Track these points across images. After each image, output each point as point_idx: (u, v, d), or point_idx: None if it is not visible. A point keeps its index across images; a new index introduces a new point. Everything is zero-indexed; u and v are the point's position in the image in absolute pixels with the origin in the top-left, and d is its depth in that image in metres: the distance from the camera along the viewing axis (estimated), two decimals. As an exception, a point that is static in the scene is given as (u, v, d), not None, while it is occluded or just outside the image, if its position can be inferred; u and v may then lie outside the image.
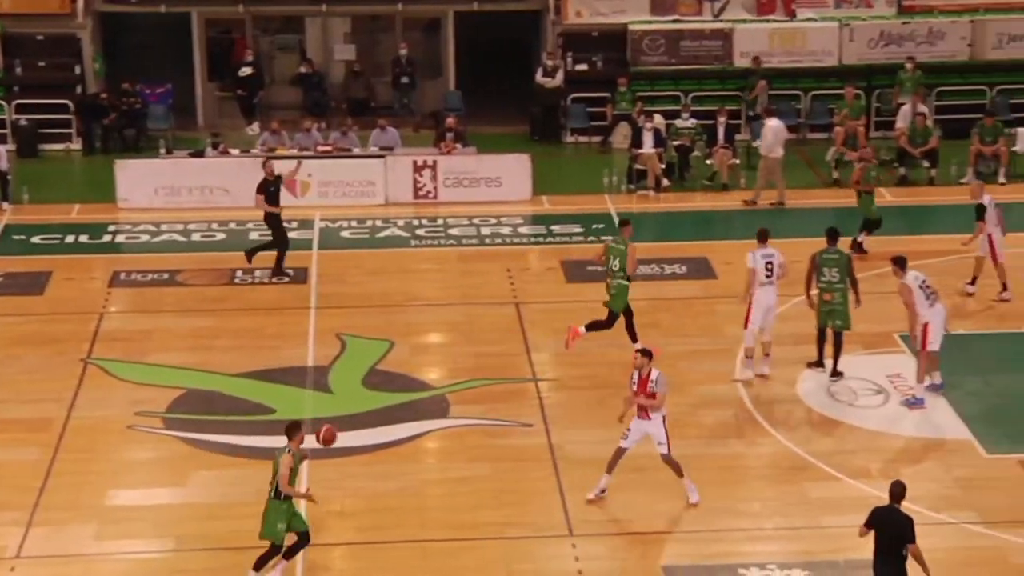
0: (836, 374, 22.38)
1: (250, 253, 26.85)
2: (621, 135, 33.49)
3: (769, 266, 22.35)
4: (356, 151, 31.19)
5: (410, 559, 17.90)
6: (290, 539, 17.31)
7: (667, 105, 33.90)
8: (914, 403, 21.61)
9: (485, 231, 29.16)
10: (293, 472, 17.06)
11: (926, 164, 31.28)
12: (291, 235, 28.92)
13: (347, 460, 20.30)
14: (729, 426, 21.25)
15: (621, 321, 23.23)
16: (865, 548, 18.00)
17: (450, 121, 31.85)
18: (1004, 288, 24.95)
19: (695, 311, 25.06)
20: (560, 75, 34.45)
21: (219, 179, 30.56)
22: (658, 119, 32.01)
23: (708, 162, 31.69)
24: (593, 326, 23.26)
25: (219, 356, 23.56)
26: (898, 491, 15.97)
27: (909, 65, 33.35)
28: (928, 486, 19.44)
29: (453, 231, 29.26)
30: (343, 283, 26.67)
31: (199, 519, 18.88)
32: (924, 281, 21.55)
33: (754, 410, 21.54)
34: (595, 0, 35.11)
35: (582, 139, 34.76)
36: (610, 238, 23.98)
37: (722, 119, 31.76)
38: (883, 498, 18.97)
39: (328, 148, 31.12)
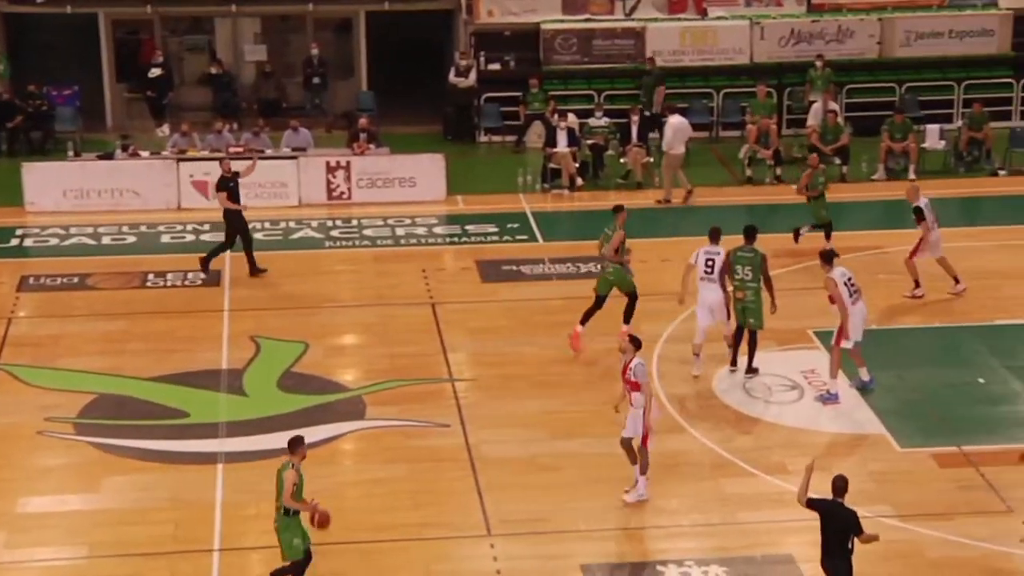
0: (751, 371, 22.47)
1: (205, 261, 26.59)
2: (535, 134, 33.48)
3: (710, 263, 22.35)
4: (268, 152, 30.95)
5: (328, 562, 17.73)
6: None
7: (580, 104, 33.92)
8: (828, 399, 21.75)
9: (400, 232, 29.03)
10: (298, 487, 16.75)
11: (837, 161, 31.51)
12: (203, 237, 28.75)
13: (263, 463, 20.08)
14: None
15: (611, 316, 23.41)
16: (782, 544, 18.17)
17: (363, 121, 31.69)
18: (917, 285, 25.17)
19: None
20: (473, 75, 34.38)
21: (129, 181, 30.23)
22: (572, 118, 32.04)
23: (622, 160, 31.75)
24: (626, 316, 23.44)
25: (131, 360, 23.27)
26: (840, 485, 16.06)
27: (819, 63, 33.59)
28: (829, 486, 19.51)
29: (367, 232, 29.10)
30: (256, 285, 26.43)
31: (112, 525, 18.62)
32: (850, 278, 21.72)
33: (671, 407, 21.56)
34: (507, 0, 35.11)
35: (496, 139, 34.73)
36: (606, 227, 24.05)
37: (635, 118, 31.84)
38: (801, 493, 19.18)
39: (239, 149, 30.86)
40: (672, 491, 19.43)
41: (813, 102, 32.76)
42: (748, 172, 31.60)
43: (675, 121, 30.56)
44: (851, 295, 21.58)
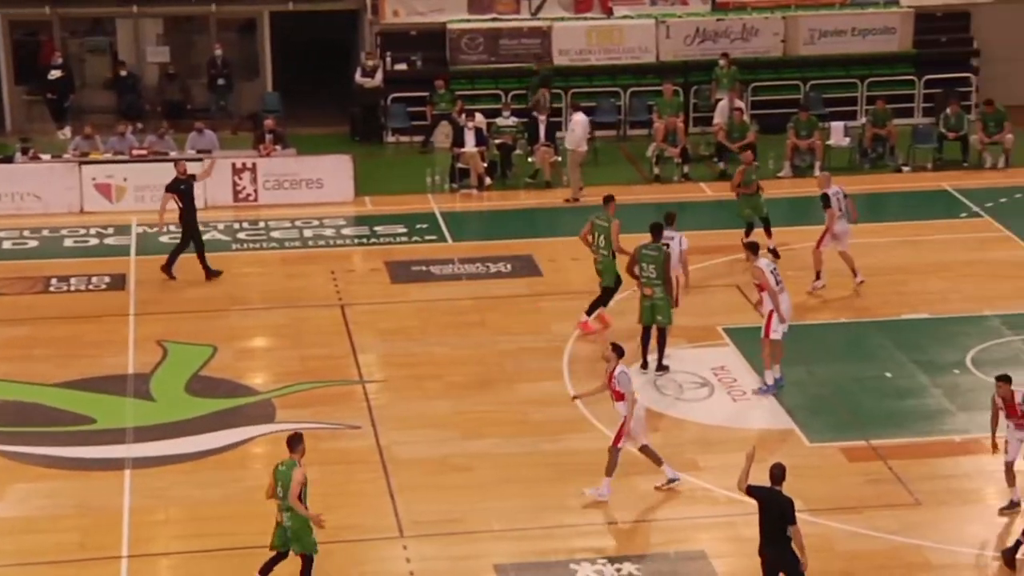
0: (661, 368, 22.53)
1: (167, 267, 26.31)
2: (442, 134, 33.37)
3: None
4: (173, 154, 30.60)
5: (238, 567, 17.56)
6: (271, 554, 16.92)
7: (488, 104, 33.86)
8: (765, 391, 21.93)
9: (308, 233, 28.82)
10: (304, 487, 16.61)
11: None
12: (107, 241, 28.41)
13: (171, 468, 19.90)
14: (558, 423, 21.23)
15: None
16: (695, 540, 18.23)
17: (269, 123, 31.43)
18: (817, 277, 25.34)
19: (521, 309, 25.04)
20: (379, 75, 34.20)
21: (30, 185, 29.78)
22: (479, 118, 31.97)
23: (530, 160, 31.73)
24: (592, 307, 23.64)
25: (36, 366, 22.92)
26: (778, 473, 16.20)
27: (724, 61, 33.75)
28: (754, 476, 19.56)
29: (275, 234, 28.86)
30: (163, 289, 26.13)
31: (16, 533, 18.33)
32: (774, 269, 21.95)
33: (581, 406, 21.54)
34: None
35: (403, 139, 34.55)
36: (594, 216, 23.93)
37: (543, 117, 31.81)
38: (712, 491, 19.30)
39: (144, 152, 30.49)
40: (584, 489, 19.40)
41: (719, 100, 32.90)
42: (656, 170, 31.68)
43: (580, 119, 30.62)
44: (776, 284, 21.76)
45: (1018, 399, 18.54)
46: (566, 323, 23.96)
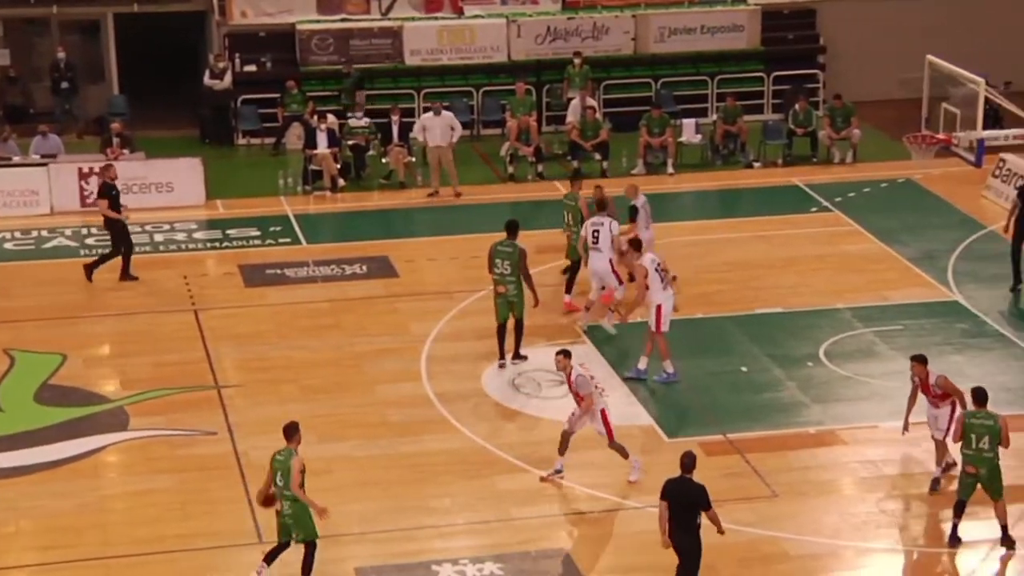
0: (518, 357, 22.54)
1: (89, 268, 25.93)
2: (294, 136, 33.07)
3: (596, 233, 23.38)
4: (16, 159, 29.94)
5: (93, 579, 17.24)
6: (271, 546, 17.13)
7: (340, 105, 33.59)
8: (667, 379, 22.14)
9: (159, 238, 28.36)
10: (303, 474, 16.81)
11: (598, 157, 31.79)
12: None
13: (22, 479, 19.46)
14: (416, 423, 21.13)
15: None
16: (555, 538, 18.22)
17: (116, 126, 30.89)
18: (620, 282, 25.22)
19: (378, 310, 24.87)
20: (228, 77, 33.77)
21: None
22: (331, 119, 31.71)
23: (384, 160, 31.55)
24: (568, 285, 24.47)
25: None
26: (688, 462, 16.42)
27: (577, 60, 33.86)
28: (613, 473, 19.70)
29: (125, 239, 28.37)
30: (9, 297, 25.56)
31: None
32: (659, 264, 22.07)
33: (440, 406, 21.48)
34: (260, 0, 34.58)
35: (255, 141, 34.17)
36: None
37: (396, 117, 31.66)
38: (572, 488, 19.31)
39: (-15, 157, 29.81)
40: (444, 490, 19.35)
41: (572, 99, 32.98)
42: (510, 169, 31.68)
43: (427, 115, 30.49)
44: (662, 280, 21.96)
45: (931, 379, 19.11)
46: (424, 323, 23.83)
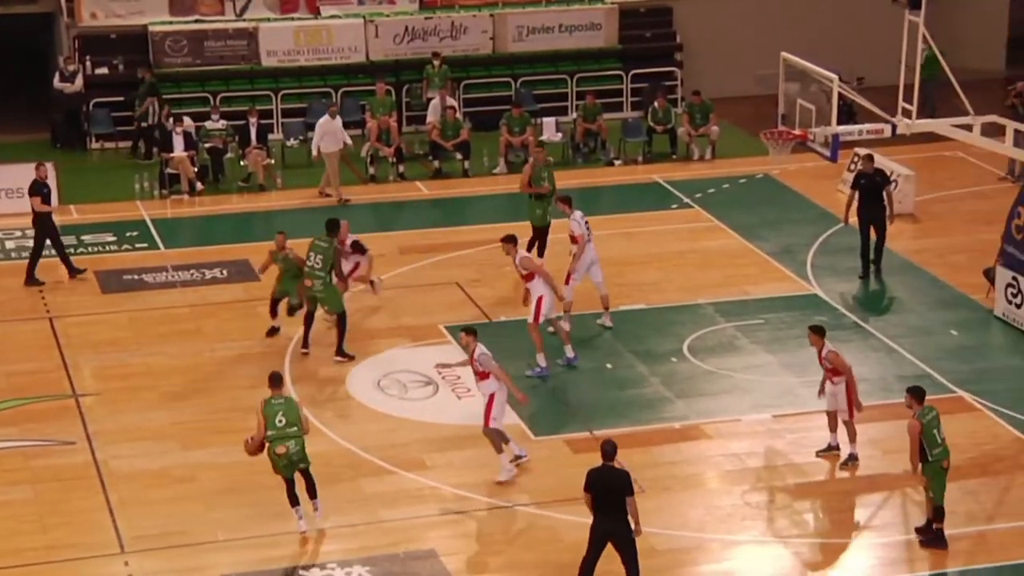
0: (342, 355, 22.64)
1: (29, 276, 25.64)
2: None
3: (588, 224, 23.60)
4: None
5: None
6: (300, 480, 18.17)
7: (195, 107, 33.14)
8: (539, 373, 22.25)
9: (9, 244, 27.73)
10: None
11: (459, 156, 31.70)
12: None
13: None
14: (280, 428, 20.86)
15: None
16: (424, 539, 18.11)
17: (-37, 131, 30.20)
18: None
19: (239, 314, 24.53)
20: (79, 80, 33.11)
21: None
22: (187, 121, 31.24)
23: (242, 163, 31.17)
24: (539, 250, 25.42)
25: None
26: (610, 449, 16.52)
27: (435, 60, 33.74)
28: (480, 472, 19.65)
29: (-25, 246, 27.76)
30: None
31: None
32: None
33: (305, 410, 21.19)
34: (110, 1, 33.99)
35: (108, 145, 33.58)
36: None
37: (253, 119, 31.30)
38: (439, 488, 19.23)
39: None
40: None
41: (431, 99, 32.87)
42: (371, 170, 31.46)
43: (323, 121, 30.12)
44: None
45: (824, 351, 19.49)
46: (286, 327, 23.54)
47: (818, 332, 19.76)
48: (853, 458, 19.75)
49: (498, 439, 19.53)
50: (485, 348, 19.51)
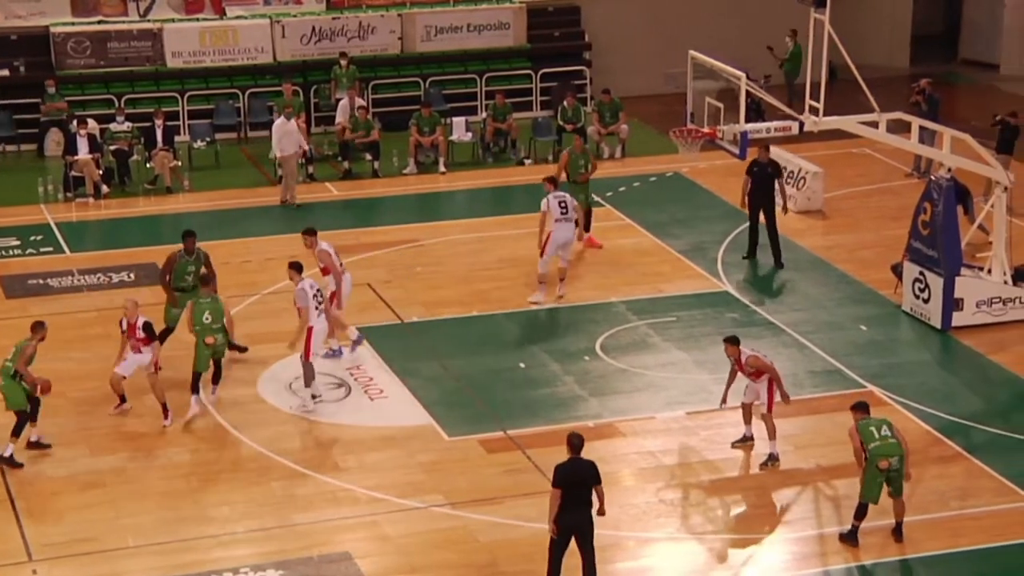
0: (239, 348, 22.68)
1: None
2: (54, 142, 32.12)
3: (563, 205, 24.39)
4: None
5: None
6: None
7: (100, 109, 32.73)
8: (334, 355, 22.59)
9: (-89, 250, 27.30)
10: (31, 359, 19.78)
11: (368, 157, 31.54)
12: None
13: None
14: (192, 432, 20.66)
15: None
16: (338, 542, 17.99)
17: None
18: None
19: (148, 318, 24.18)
20: (-19, 82, 32.66)
21: None
22: (92, 124, 30.83)
23: (149, 165, 30.81)
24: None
25: None
26: (577, 442, 16.62)
27: (343, 60, 33.56)
28: (394, 474, 19.55)
29: None
30: None
31: None
32: (317, 289, 21.41)
33: (217, 414, 21.04)
34: (10, 2, 33.49)
35: (10, 148, 33.08)
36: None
37: (160, 121, 30.94)
38: (353, 491, 19.10)
39: None
40: (223, 498, 18.95)
41: (340, 99, 32.68)
42: (279, 172, 31.19)
43: (277, 123, 29.76)
44: (340, 264, 22.59)
45: (743, 358, 19.68)
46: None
47: (732, 342, 19.83)
48: (773, 458, 19.75)
49: (311, 372, 21.00)
50: (305, 284, 20.99)
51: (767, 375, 19.66)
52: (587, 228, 26.79)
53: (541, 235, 24.50)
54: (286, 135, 29.52)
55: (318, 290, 21.46)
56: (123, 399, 21.10)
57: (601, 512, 16.70)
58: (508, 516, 18.53)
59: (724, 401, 20.08)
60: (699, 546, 18.20)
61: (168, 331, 22.35)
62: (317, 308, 21.23)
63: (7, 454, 19.75)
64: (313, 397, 21.27)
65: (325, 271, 22.50)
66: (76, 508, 18.61)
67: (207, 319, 20.82)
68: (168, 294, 22.54)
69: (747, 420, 20.11)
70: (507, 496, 18.99)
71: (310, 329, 21.16)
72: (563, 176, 26.73)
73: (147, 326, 20.91)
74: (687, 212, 29.08)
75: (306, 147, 30.15)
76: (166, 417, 20.75)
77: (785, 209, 26.90)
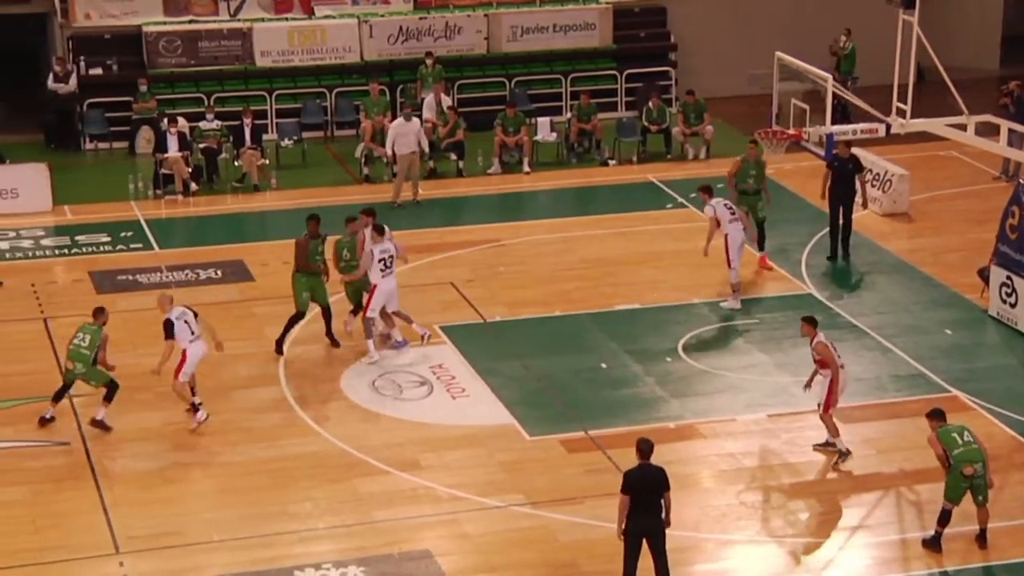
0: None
1: None
2: (144, 140, 32.52)
3: (729, 208, 24.67)
4: None
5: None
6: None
7: (190, 107, 33.12)
8: (399, 346, 22.92)
9: (3, 245, 27.68)
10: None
11: (453, 157, 31.69)
12: None
13: None
14: (275, 428, 20.88)
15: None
16: (418, 539, 18.11)
17: (-44, 132, 30.18)
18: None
19: (234, 315, 24.49)
20: (73, 80, 33.07)
21: None
22: (182, 122, 31.21)
23: (237, 164, 31.14)
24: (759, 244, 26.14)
25: None
26: (646, 448, 16.61)
27: (429, 60, 33.72)
28: (474, 472, 19.65)
29: (-31, 247, 27.73)
30: None
31: None
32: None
33: (300, 410, 21.24)
34: (104, 2, 33.94)
35: (102, 145, 33.54)
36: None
37: (248, 120, 31.25)
38: (434, 489, 19.23)
39: None
40: (305, 495, 19.12)
41: (424, 98, 32.83)
42: (365, 170, 31.43)
43: (396, 123, 29.95)
44: (383, 270, 22.69)
45: (814, 342, 19.80)
46: (280, 327, 23.47)
47: (810, 322, 20.06)
48: (843, 455, 19.85)
49: (369, 329, 22.28)
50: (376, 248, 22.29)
51: (829, 371, 19.62)
52: (761, 246, 26.34)
53: (708, 243, 24.52)
54: (400, 135, 29.70)
55: (390, 256, 22.61)
56: (194, 406, 21.00)
57: (667, 523, 16.65)
58: (588, 516, 18.57)
59: (809, 385, 20.14)
60: (779, 549, 18.16)
61: (299, 316, 23.08)
62: (383, 271, 22.37)
63: (99, 417, 20.54)
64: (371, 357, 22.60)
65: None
66: (161, 502, 18.87)
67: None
68: (325, 271, 23.16)
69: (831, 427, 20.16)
70: (587, 496, 19.04)
71: (374, 287, 22.35)
72: (730, 184, 26.43)
73: (166, 324, 20.79)
74: (771, 214, 28.80)
75: (425, 147, 30.28)
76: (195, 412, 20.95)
77: (864, 205, 26.77)
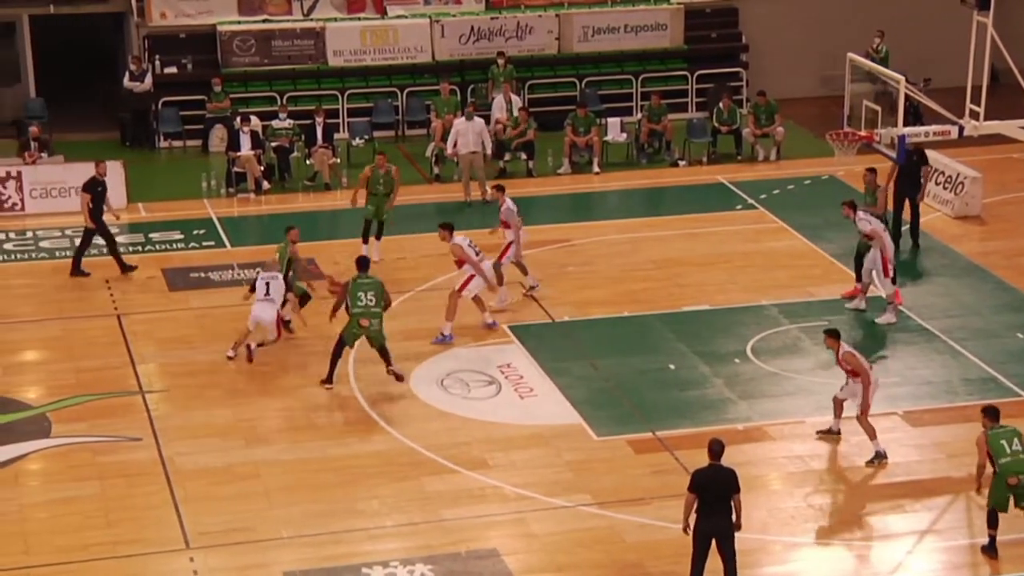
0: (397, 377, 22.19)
1: (74, 269, 26.30)
2: (217, 138, 32.80)
3: (880, 219, 24.73)
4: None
5: (16, 588, 17.00)
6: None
7: (263, 106, 33.37)
8: (441, 340, 23.23)
9: (79, 242, 27.96)
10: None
11: (523, 156, 31.75)
12: None
13: (-57, 489, 19.17)
14: (344, 427, 21.01)
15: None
16: (486, 538, 18.17)
17: (33, 130, 30.52)
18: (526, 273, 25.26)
19: (304, 312, 24.60)
20: (149, 79, 33.43)
21: None
22: (254, 121, 31.46)
23: (308, 162, 31.34)
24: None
25: None
26: (718, 449, 16.61)
27: (500, 60, 33.80)
28: (542, 472, 19.68)
29: (44, 244, 28.00)
30: (-72, 303, 25.20)
31: None
32: (471, 242, 23.45)
33: (369, 408, 21.36)
34: (180, 1, 34.27)
35: (176, 143, 33.87)
36: None
37: (320, 119, 31.46)
38: (502, 488, 19.29)
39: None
40: (373, 493, 19.23)
41: (495, 98, 32.91)
42: (436, 170, 31.55)
43: (458, 122, 30.09)
44: (476, 254, 23.45)
45: (840, 353, 19.80)
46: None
47: (833, 335, 20.01)
48: (880, 455, 19.76)
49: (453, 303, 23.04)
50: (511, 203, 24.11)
51: (860, 378, 19.59)
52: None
53: (887, 261, 24.04)
54: (462, 134, 29.85)
55: (469, 242, 23.51)
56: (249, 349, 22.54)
57: (737, 526, 16.61)
58: (655, 517, 18.56)
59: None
60: (847, 552, 18.09)
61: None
62: (477, 255, 23.46)
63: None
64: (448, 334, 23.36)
65: (459, 263, 23.42)
66: (231, 498, 19.02)
67: (371, 301, 21.71)
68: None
69: (837, 414, 20.23)
70: (654, 497, 19.02)
71: (471, 276, 23.46)
72: (889, 194, 26.50)
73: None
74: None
75: (488, 147, 30.37)
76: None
77: (922, 197, 26.69)
